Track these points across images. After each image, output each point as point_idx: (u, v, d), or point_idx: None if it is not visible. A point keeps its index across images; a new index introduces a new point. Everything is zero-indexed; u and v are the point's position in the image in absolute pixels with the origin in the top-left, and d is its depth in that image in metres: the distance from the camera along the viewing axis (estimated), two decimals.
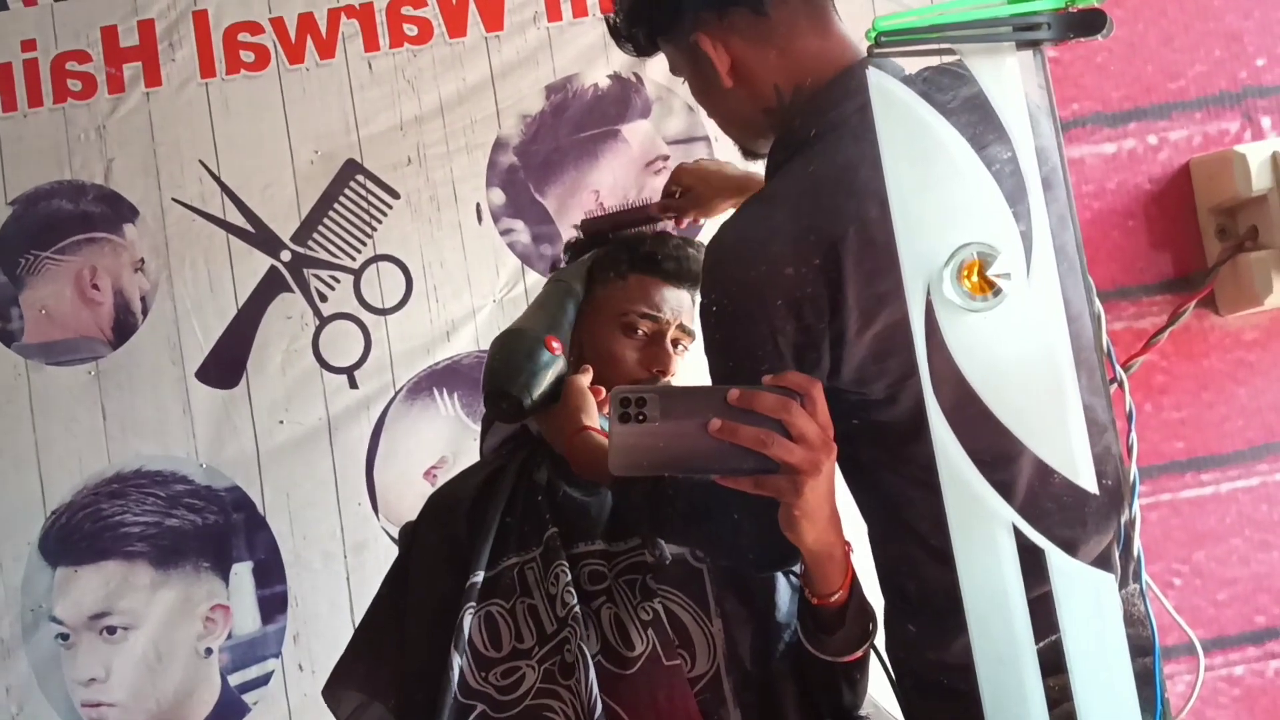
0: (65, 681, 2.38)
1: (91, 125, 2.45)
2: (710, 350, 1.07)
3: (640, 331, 1.34)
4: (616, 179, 2.46)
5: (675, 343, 1.38)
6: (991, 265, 0.67)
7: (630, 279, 1.36)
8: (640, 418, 0.94)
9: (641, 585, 1.23)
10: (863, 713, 1.24)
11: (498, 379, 1.29)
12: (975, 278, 0.68)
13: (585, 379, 1.32)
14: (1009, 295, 0.66)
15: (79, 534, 2.39)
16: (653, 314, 1.34)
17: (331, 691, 1.37)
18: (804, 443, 0.94)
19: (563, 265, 1.46)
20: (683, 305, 1.39)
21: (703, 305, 1.07)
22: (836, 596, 1.09)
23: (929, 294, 0.67)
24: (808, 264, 0.96)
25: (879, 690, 1.22)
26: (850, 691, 1.21)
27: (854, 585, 1.11)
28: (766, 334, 0.99)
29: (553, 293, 1.36)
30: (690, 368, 1.39)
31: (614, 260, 1.37)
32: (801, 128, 1.04)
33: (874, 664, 1.19)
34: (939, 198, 0.68)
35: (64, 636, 2.39)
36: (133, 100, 2.46)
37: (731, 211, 1.13)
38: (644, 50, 1.15)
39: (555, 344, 1.29)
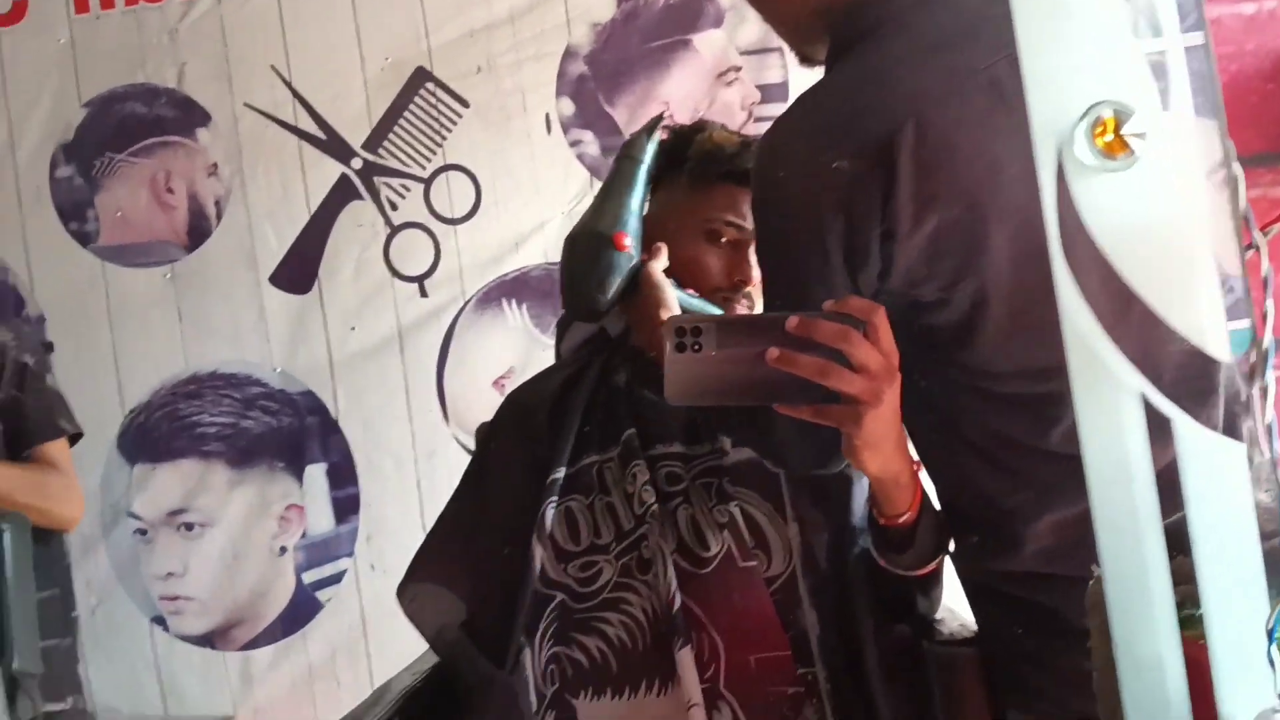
0: (143, 576, 2.46)
1: (164, 29, 2.46)
2: (761, 250, 1.07)
3: (724, 240, 1.33)
4: (687, 91, 2.44)
5: None
6: (1127, 123, 0.64)
7: (718, 188, 1.34)
8: (696, 347, 0.93)
9: (718, 488, 1.24)
10: (937, 617, 1.26)
11: (573, 286, 1.30)
12: (1110, 136, 0.65)
13: (659, 264, 1.30)
14: (1143, 155, 0.63)
15: (157, 433, 2.46)
16: (739, 223, 1.32)
17: (406, 587, 1.39)
18: (865, 372, 0.93)
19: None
20: None
21: (754, 203, 1.07)
22: (905, 518, 1.09)
23: (1059, 155, 0.64)
24: (860, 158, 0.95)
25: (953, 595, 1.24)
26: (924, 599, 1.22)
27: (924, 504, 1.11)
28: (815, 231, 0.98)
29: (622, 174, 1.34)
30: None
31: (700, 168, 1.35)
32: (856, 22, 1.02)
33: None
34: (1072, 52, 0.65)
35: (142, 532, 2.47)
36: (204, 4, 2.46)
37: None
38: None
39: (625, 239, 1.27)
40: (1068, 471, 0.88)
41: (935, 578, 1.19)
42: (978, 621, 1.15)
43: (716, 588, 1.19)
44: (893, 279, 0.98)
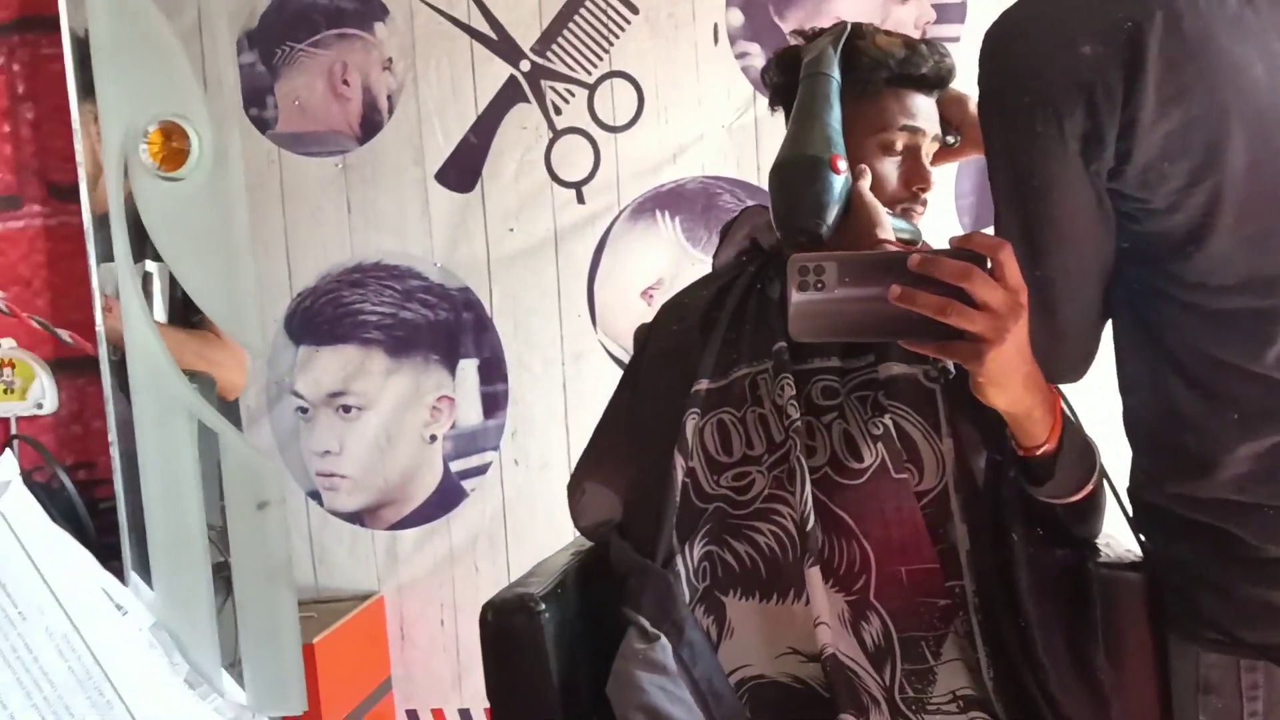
0: (302, 451, 2.53)
1: None
2: (989, 142, 1.04)
3: (899, 146, 1.30)
4: (860, 7, 2.37)
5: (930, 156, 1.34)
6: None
7: (886, 94, 1.30)
8: (819, 285, 0.92)
9: (873, 401, 1.23)
10: (1100, 542, 1.24)
11: (793, 214, 1.25)
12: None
13: (866, 182, 1.27)
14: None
15: (321, 317, 2.50)
16: (911, 125, 1.29)
17: (575, 483, 1.41)
18: (987, 310, 0.91)
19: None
20: (934, 114, 1.34)
21: (982, 94, 1.03)
22: (1043, 449, 1.08)
23: None
24: (1106, 44, 0.92)
25: (1113, 521, 1.22)
26: (1080, 524, 1.21)
27: (1065, 435, 1.09)
28: (1051, 118, 0.95)
29: (819, 93, 1.28)
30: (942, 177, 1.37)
31: (868, 75, 1.30)
32: None
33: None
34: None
35: (303, 410, 2.53)
36: None
37: None
38: None
39: (840, 162, 1.23)
40: (1276, 396, 0.90)
41: (1090, 505, 1.17)
42: (1151, 544, 1.13)
43: (868, 498, 1.19)
44: (1126, 177, 0.95)
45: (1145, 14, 0.91)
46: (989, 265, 0.92)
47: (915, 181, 1.29)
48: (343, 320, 2.50)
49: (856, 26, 1.33)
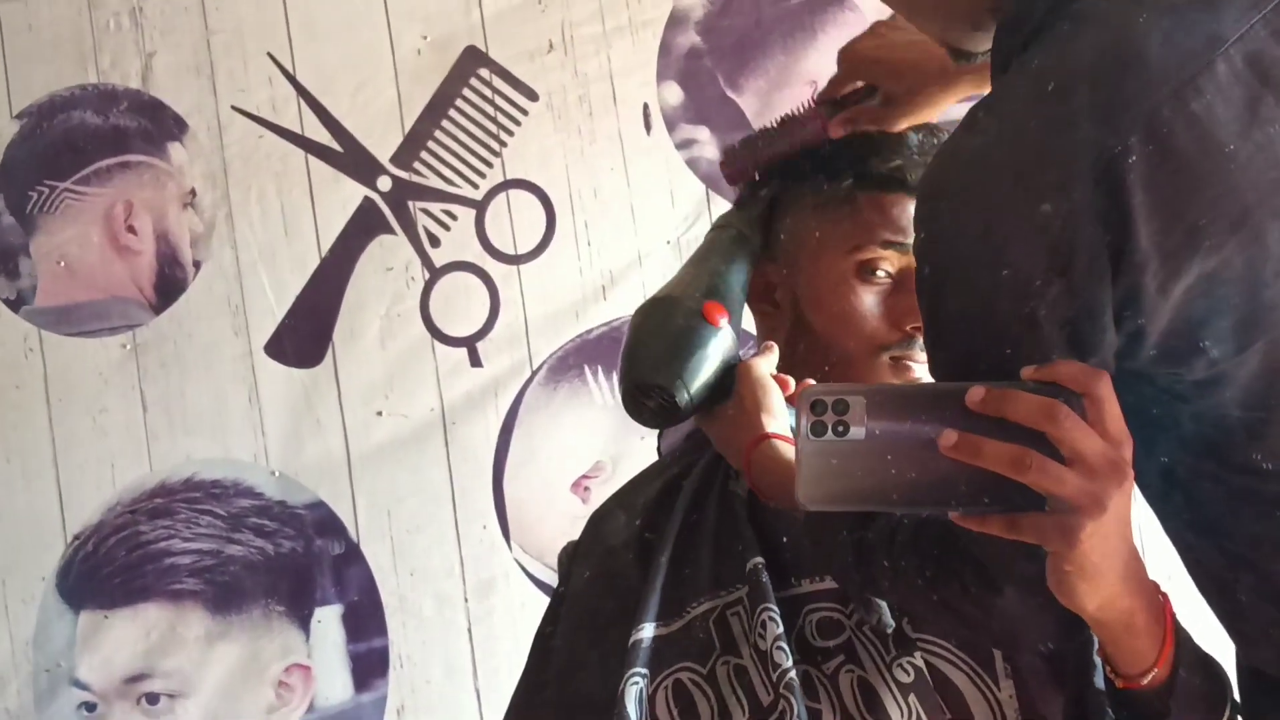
0: None
1: (124, 9, 2.22)
2: (932, 335, 0.95)
3: (882, 271, 1.22)
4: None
5: None
6: None
7: (861, 199, 1.22)
8: (840, 429, 0.84)
9: (896, 634, 1.12)
10: None
11: (640, 366, 1.18)
12: None
13: (766, 363, 1.22)
14: None
15: (110, 567, 2.20)
16: (898, 240, 1.22)
17: None
18: (1082, 466, 0.81)
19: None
20: None
21: (920, 272, 0.93)
22: (1151, 676, 0.97)
23: None
24: (1073, 194, 0.82)
25: None
26: None
27: (1179, 653, 0.97)
28: (1020, 303, 0.85)
29: (715, 243, 1.27)
30: None
31: (840, 176, 1.24)
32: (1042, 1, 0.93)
33: None
34: None
35: (89, 707, 2.19)
36: None
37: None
38: None
39: (719, 314, 1.17)
40: None
41: None
42: None
43: None
44: (1142, 356, 0.86)
45: (1117, 140, 0.81)
46: (1081, 404, 0.83)
47: (908, 318, 1.20)
48: (142, 568, 2.17)
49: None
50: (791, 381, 1.23)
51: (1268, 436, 0.89)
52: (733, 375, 1.19)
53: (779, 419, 1.16)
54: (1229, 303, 0.84)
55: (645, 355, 1.18)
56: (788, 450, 1.14)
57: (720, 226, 1.29)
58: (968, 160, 0.92)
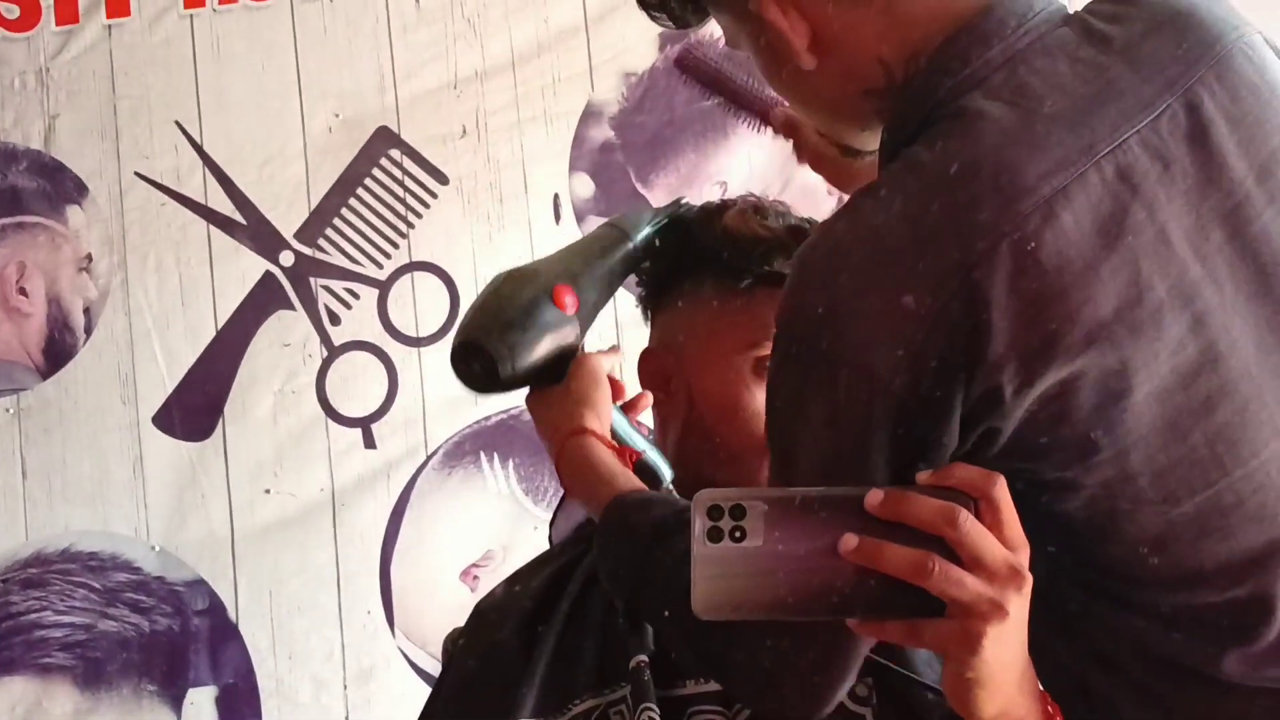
0: None
1: (30, 68, 2.20)
2: (775, 416, 0.95)
3: None
4: (754, 165, 2.19)
5: None
6: None
7: (760, 296, 1.21)
8: (738, 534, 0.82)
9: None
10: None
11: (475, 327, 1.17)
12: None
13: (607, 361, 1.23)
14: None
15: None
16: None
17: None
18: (982, 571, 0.81)
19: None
20: None
21: (776, 343, 0.94)
22: None
23: None
24: (933, 295, 0.83)
25: None
26: None
27: None
28: (866, 399, 0.86)
29: (595, 238, 1.27)
30: None
31: (735, 268, 1.23)
32: (923, 102, 0.92)
33: None
34: None
35: None
36: (89, 35, 2.21)
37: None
38: (683, 21, 1.03)
39: (568, 298, 1.17)
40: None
41: None
42: None
43: None
44: (987, 455, 0.88)
45: (980, 251, 0.83)
46: (977, 508, 0.83)
47: None
48: (10, 640, 2.13)
49: (724, 201, 1.29)
50: (625, 387, 1.24)
51: (1117, 540, 0.89)
52: (567, 363, 1.18)
53: (603, 418, 1.16)
54: (1079, 410, 0.85)
55: (484, 318, 1.17)
56: (603, 451, 1.14)
57: (610, 224, 1.28)
58: (834, 245, 0.93)
